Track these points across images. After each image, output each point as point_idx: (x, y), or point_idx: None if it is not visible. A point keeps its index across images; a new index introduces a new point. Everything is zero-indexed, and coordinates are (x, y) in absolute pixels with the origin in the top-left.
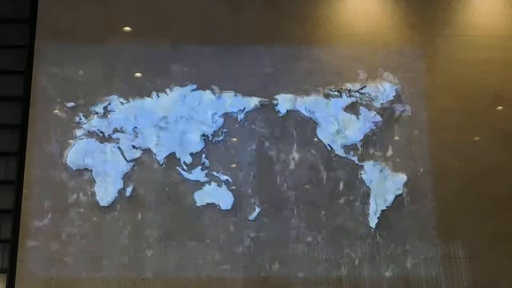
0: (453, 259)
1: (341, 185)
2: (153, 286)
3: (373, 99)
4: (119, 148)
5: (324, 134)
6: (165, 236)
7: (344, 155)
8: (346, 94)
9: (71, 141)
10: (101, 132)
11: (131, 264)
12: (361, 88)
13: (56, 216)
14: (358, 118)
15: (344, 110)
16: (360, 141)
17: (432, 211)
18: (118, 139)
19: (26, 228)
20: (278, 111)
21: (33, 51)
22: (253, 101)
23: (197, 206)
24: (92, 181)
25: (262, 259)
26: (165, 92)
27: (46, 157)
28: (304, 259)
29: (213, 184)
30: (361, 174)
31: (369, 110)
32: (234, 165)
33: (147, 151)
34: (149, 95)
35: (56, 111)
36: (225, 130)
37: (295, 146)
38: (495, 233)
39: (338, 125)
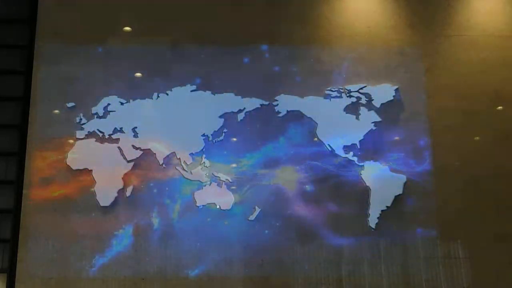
0: (453, 259)
1: (341, 185)
2: (153, 286)
3: (373, 99)
4: (119, 148)
5: (324, 134)
6: (165, 236)
7: (344, 155)
8: (346, 94)
9: (71, 141)
10: (101, 132)
11: (131, 264)
12: (361, 88)
13: (56, 216)
14: (358, 118)
15: (344, 110)
16: (360, 141)
17: (432, 211)
18: (118, 139)
19: (26, 228)
20: (278, 111)
21: (33, 51)
22: (253, 101)
23: (197, 206)
24: (92, 181)
25: (262, 259)
26: (165, 92)
27: (46, 157)
28: (304, 259)
29: (213, 184)
30: (361, 174)
31: (369, 110)
32: (234, 165)
33: (147, 151)
34: (149, 95)
35: (56, 111)
36: (225, 130)
37: (295, 146)
38: (495, 233)
39: (338, 125)
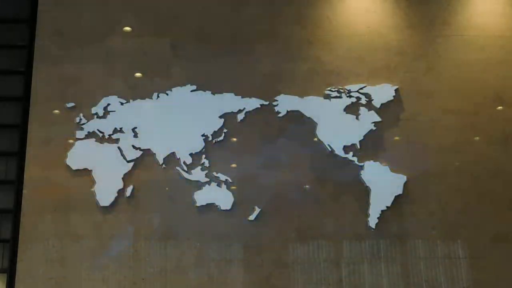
0: (453, 259)
1: (341, 185)
2: (153, 286)
3: (372, 99)
4: (119, 148)
5: (324, 134)
6: (165, 236)
7: (344, 155)
8: (346, 94)
9: (71, 141)
10: (101, 132)
11: (131, 264)
12: (361, 88)
13: (56, 216)
14: (358, 118)
15: (344, 111)
16: (359, 141)
17: (432, 211)
18: (118, 139)
19: (26, 228)
20: (278, 111)
21: (33, 51)
22: (253, 101)
23: (197, 206)
24: (92, 181)
25: (262, 259)
26: (165, 92)
27: (46, 157)
28: (304, 259)
29: (213, 184)
30: (361, 174)
31: (369, 110)
32: (234, 165)
33: (147, 151)
34: (149, 95)
35: (56, 111)
36: (225, 130)
37: (295, 146)
38: (495, 233)
39: (338, 125)
